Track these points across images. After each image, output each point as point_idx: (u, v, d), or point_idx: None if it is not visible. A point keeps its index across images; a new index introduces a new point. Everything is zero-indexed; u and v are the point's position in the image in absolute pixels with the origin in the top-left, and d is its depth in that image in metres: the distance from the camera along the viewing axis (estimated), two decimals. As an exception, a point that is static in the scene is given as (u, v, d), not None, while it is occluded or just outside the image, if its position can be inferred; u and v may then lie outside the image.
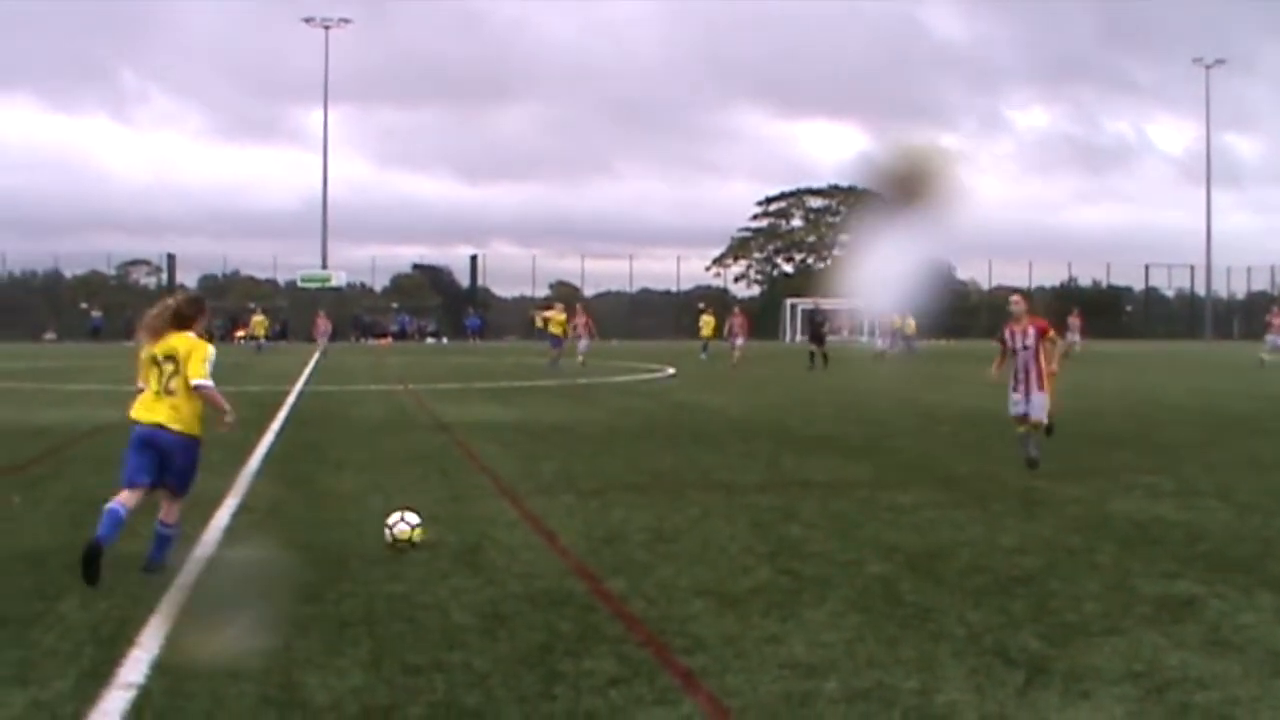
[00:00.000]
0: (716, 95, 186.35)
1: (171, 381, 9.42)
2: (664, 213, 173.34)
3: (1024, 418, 14.86)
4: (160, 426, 9.35)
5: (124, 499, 9.25)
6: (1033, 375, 14.70)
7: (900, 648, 7.19)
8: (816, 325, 45.67)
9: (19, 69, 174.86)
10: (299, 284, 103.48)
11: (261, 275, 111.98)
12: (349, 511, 11.82)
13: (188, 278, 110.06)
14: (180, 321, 9.73)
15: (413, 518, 10.17)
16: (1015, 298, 15.56)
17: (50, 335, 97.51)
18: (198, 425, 9.57)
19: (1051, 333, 15.04)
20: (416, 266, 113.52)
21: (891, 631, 7.56)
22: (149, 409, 9.44)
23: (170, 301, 9.98)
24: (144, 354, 9.65)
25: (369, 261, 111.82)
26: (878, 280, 9.86)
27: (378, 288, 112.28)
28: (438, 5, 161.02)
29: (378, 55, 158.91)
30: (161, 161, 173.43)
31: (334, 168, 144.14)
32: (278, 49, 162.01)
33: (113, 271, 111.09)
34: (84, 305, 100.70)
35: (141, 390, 9.63)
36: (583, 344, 44.40)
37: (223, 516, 11.64)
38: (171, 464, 9.39)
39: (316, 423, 21.45)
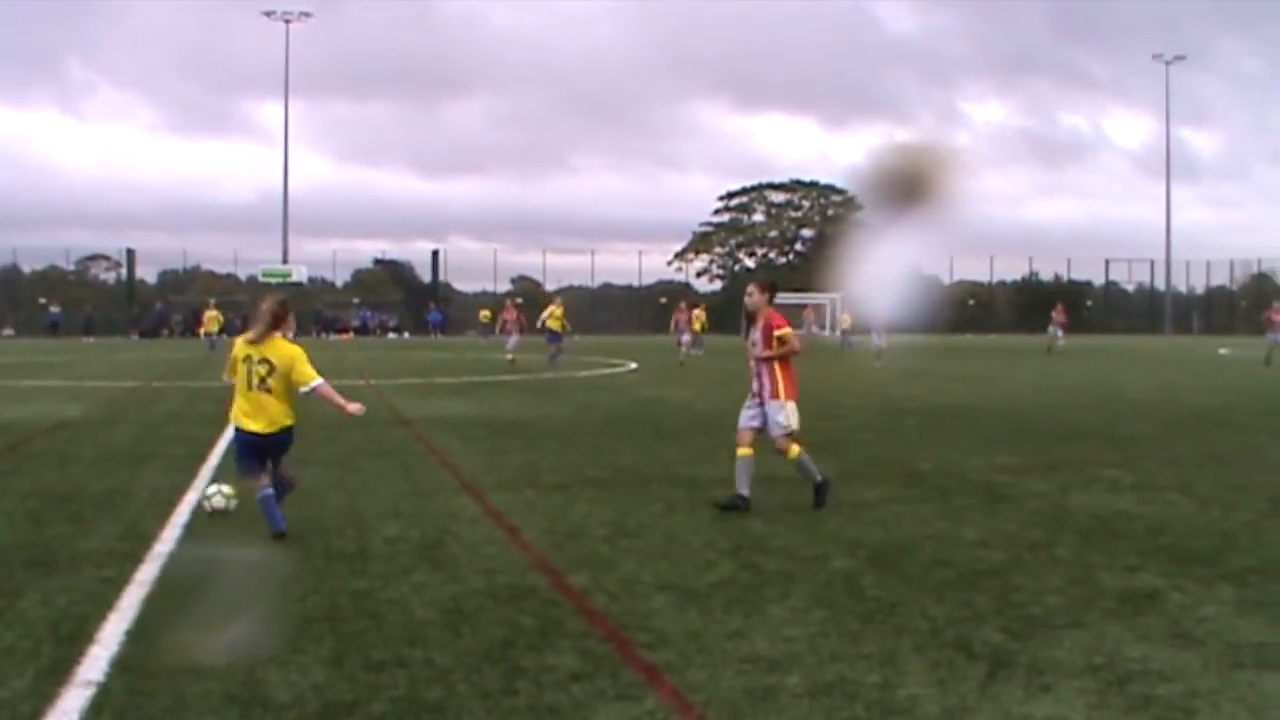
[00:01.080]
0: (674, 90, 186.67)
1: (268, 381, 10.28)
2: (624, 207, 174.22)
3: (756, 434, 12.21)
4: (276, 432, 10.34)
5: (260, 484, 10.42)
6: (766, 382, 12.09)
7: (863, 642, 7.20)
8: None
9: None
10: (260, 279, 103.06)
11: (221, 270, 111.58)
12: (311, 507, 11.78)
13: (147, 273, 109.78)
14: (275, 323, 10.56)
15: (227, 488, 11.12)
16: (750, 287, 12.52)
17: (8, 331, 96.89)
18: (293, 415, 10.50)
19: (783, 330, 12.00)
20: (378, 261, 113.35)
21: (854, 626, 7.56)
22: (254, 416, 10.32)
23: (264, 306, 10.67)
24: (239, 352, 10.49)
25: (330, 256, 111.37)
26: (874, 280, 9.83)
27: (339, 283, 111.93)
28: None
29: (332, 49, 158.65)
30: (114, 155, 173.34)
31: (292, 162, 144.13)
32: (227, 42, 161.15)
33: (72, 266, 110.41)
34: (42, 300, 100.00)
35: (228, 383, 10.65)
36: (512, 340, 43.38)
37: (183, 513, 11.59)
38: (277, 450, 10.52)
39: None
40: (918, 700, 6.15)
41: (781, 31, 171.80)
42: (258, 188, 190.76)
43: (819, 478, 12.00)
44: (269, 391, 10.27)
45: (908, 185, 7.48)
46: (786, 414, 11.93)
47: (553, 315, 41.86)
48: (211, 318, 61.57)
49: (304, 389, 10.40)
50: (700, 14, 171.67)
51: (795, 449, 11.95)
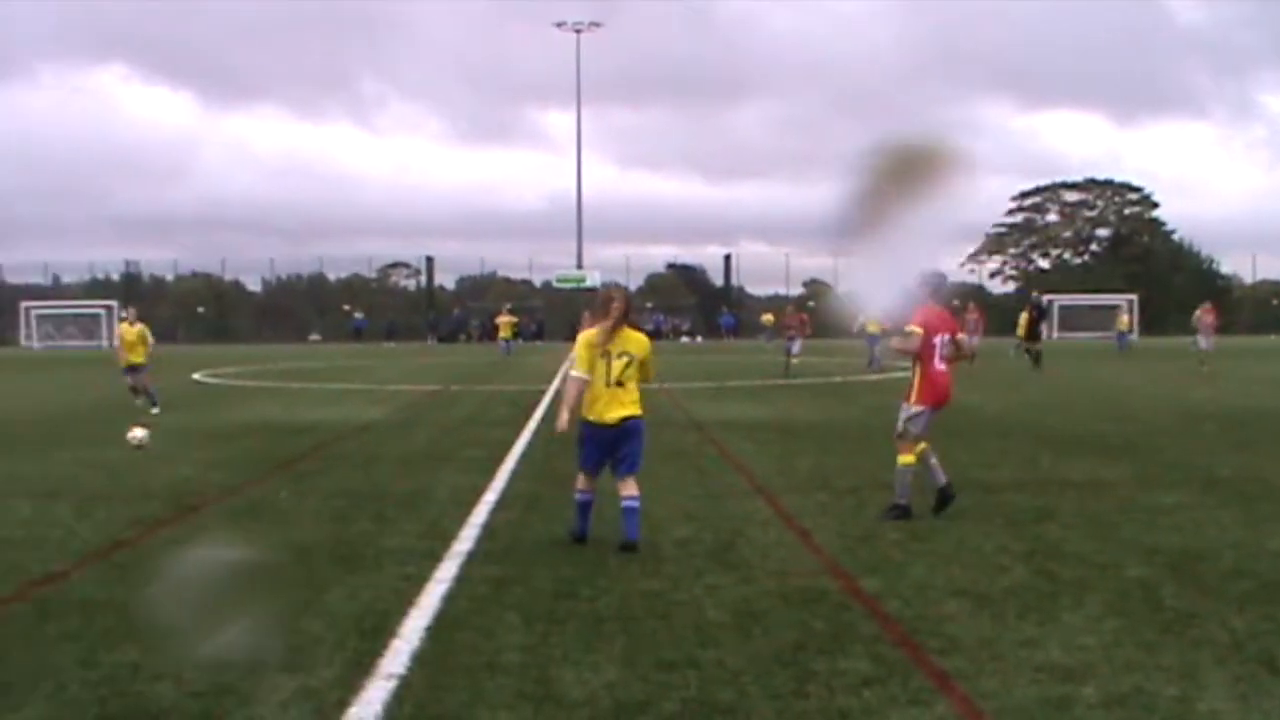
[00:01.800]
0: (955, 88, 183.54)
1: (624, 374, 10.30)
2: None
3: None
4: (627, 419, 10.32)
5: (586, 485, 10.59)
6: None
7: (1160, 653, 7.04)
8: (1032, 321, 43.29)
9: (264, 80, 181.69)
10: (555, 284, 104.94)
11: (517, 276, 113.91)
12: (605, 508, 11.98)
13: (445, 279, 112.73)
14: (625, 316, 10.52)
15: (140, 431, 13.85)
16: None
17: (315, 336, 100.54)
18: (641, 405, 10.50)
19: (910, 326, 11.56)
20: (670, 266, 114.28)
21: (1151, 636, 7.40)
22: (608, 407, 10.30)
23: (613, 301, 10.47)
24: (594, 348, 10.32)
25: (622, 261, 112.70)
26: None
27: (632, 287, 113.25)
28: (667, 5, 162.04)
29: (611, 56, 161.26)
30: (406, 166, 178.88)
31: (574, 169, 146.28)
32: (512, 52, 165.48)
33: (374, 274, 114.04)
34: (346, 307, 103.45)
35: (581, 378, 10.37)
36: (795, 345, 40.90)
37: (481, 513, 11.91)
38: (628, 446, 10.41)
39: (573, 421, 21.73)
40: (1219, 716, 6.00)
41: (1064, 25, 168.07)
42: (546, 194, 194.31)
43: (901, 500, 11.61)
44: (622, 385, 10.30)
45: (906, 175, 7.26)
46: (906, 416, 11.75)
47: (871, 319, 40.25)
48: (505, 323, 62.62)
49: (644, 384, 10.62)
50: (977, 10, 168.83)
51: (906, 457, 11.69)
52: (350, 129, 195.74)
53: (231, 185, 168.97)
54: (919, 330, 11.40)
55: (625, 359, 10.30)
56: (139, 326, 27.10)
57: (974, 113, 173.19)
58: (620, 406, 10.28)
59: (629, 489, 10.32)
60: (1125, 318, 65.06)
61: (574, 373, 10.41)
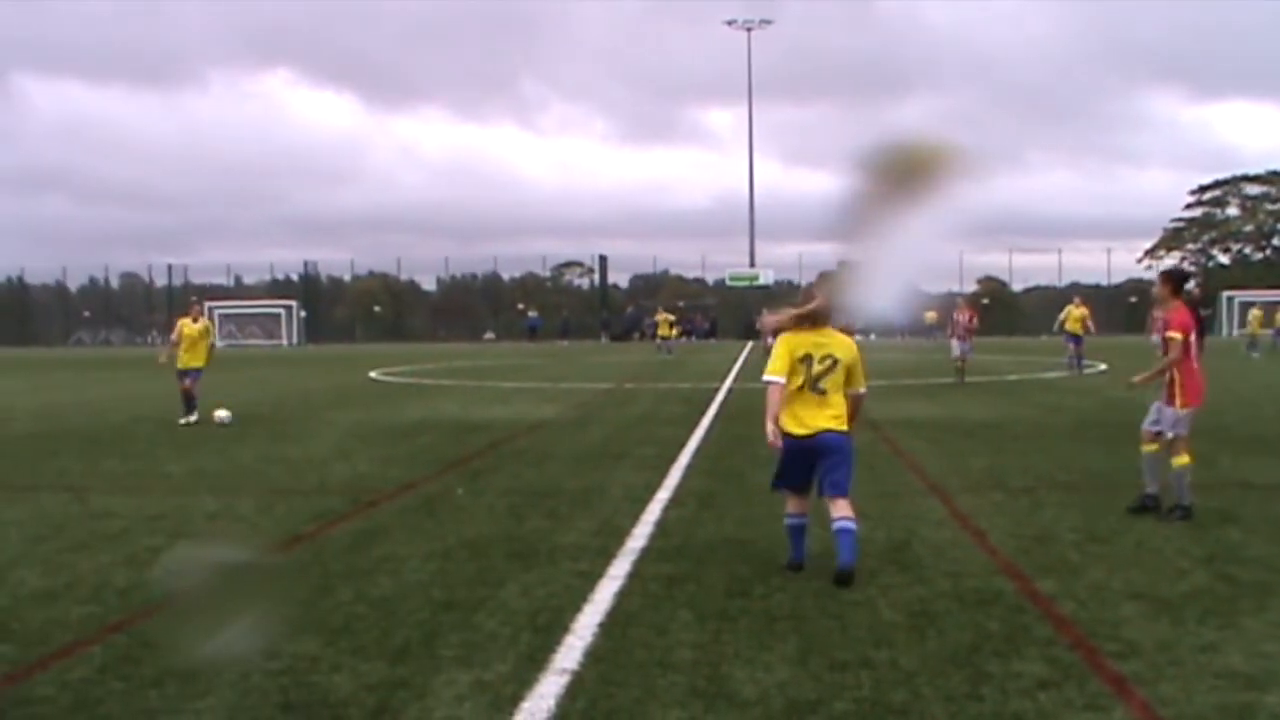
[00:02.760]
0: (1121, 80, 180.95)
1: (824, 380, 9.08)
2: (1083, 204, 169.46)
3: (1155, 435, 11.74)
4: (825, 431, 9.03)
5: (794, 507, 9.50)
6: (1166, 384, 11.62)
7: (1348, 660, 6.87)
8: (1198, 317, 41.46)
9: (429, 82, 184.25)
10: (727, 283, 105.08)
11: (689, 275, 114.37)
12: (778, 506, 11.96)
13: (619, 278, 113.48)
14: (828, 317, 9.35)
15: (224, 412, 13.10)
16: (1158, 277, 12.31)
17: (489, 335, 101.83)
18: (847, 419, 9.21)
19: (1172, 334, 11.44)
20: (841, 263, 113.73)
21: (1338, 643, 7.23)
22: (806, 417, 9.07)
23: (821, 298, 9.34)
24: (794, 349, 9.11)
25: (795, 259, 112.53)
26: None
27: (804, 285, 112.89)
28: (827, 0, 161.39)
29: (772, 53, 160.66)
30: (571, 166, 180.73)
31: (743, 168, 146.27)
32: (667, 51, 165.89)
33: (547, 273, 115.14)
34: (521, 306, 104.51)
35: (775, 383, 9.08)
36: (960, 346, 35.04)
37: (654, 510, 11.96)
38: (830, 462, 9.08)
39: (745, 418, 21.70)
40: (1407, 723, 5.85)
41: (1233, 13, 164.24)
42: (711, 193, 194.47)
43: (1185, 500, 11.32)
44: (824, 392, 9.07)
45: (904, 171, 7.05)
46: (1177, 419, 11.44)
47: (1071, 316, 38.02)
48: (664, 320, 62.49)
49: (854, 391, 9.30)
50: (1140, 1, 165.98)
51: (1182, 459, 11.40)
52: (514, 130, 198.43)
53: (400, 186, 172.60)
54: (1179, 335, 11.31)
55: (829, 363, 9.09)
56: (203, 322, 25.00)
57: (1142, 105, 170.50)
58: (820, 417, 9.04)
59: (839, 509, 8.99)
60: (1259, 312, 62.41)
61: (766, 377, 9.13)
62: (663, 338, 64.43)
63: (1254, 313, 58.18)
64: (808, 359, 9.08)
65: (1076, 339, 37.60)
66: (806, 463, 9.16)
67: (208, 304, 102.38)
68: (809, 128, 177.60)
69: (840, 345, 9.23)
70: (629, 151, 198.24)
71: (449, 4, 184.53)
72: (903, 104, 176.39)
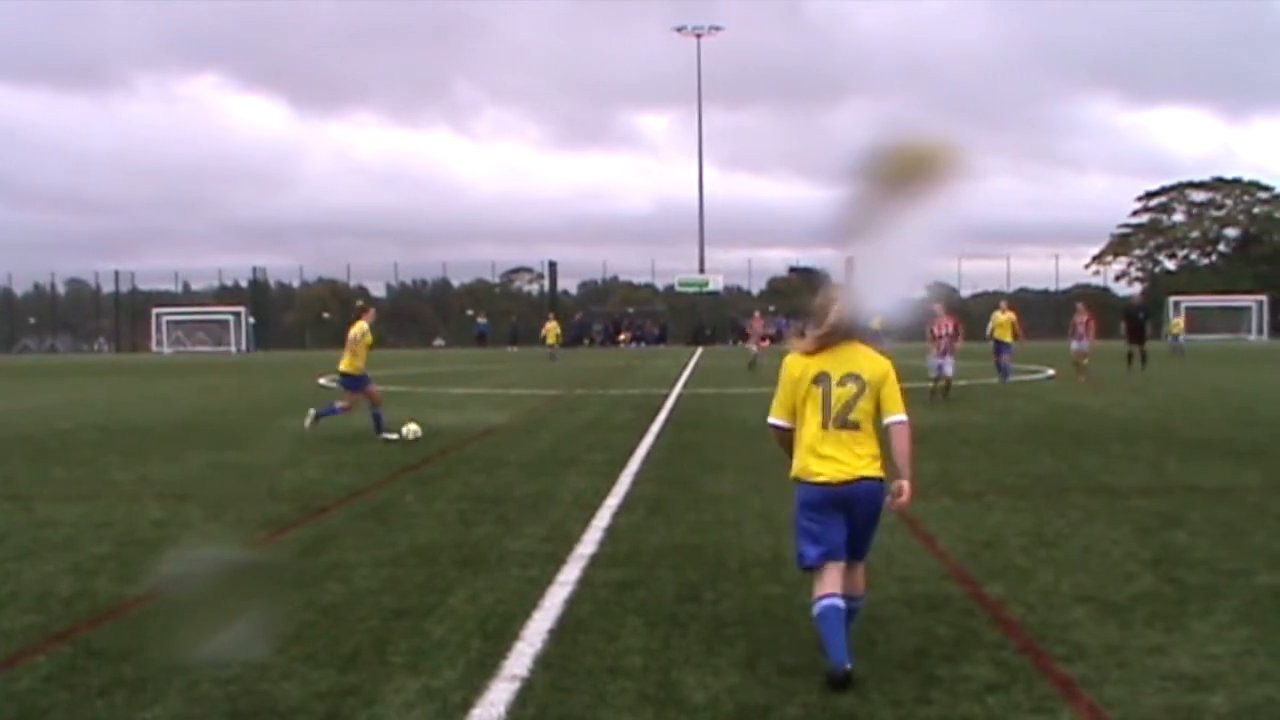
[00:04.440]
0: (1056, 85, 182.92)
1: (853, 411, 6.92)
2: (1025, 209, 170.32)
3: None
4: (863, 479, 6.88)
5: (826, 587, 6.89)
6: None
7: (1293, 662, 6.93)
8: (1136, 322, 42.39)
9: (358, 86, 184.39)
10: (677, 288, 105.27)
11: (639, 280, 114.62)
12: (727, 512, 12.00)
13: (569, 284, 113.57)
14: (848, 330, 7.20)
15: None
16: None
17: (439, 341, 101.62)
18: (882, 463, 7.03)
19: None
20: (793, 269, 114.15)
21: (1283, 645, 7.28)
22: (830, 460, 6.90)
23: (841, 303, 7.22)
24: (800, 372, 7.13)
25: (743, 265, 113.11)
26: None
27: (754, 291, 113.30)
28: (759, 3, 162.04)
29: (706, 59, 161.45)
30: (508, 170, 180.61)
31: (681, 173, 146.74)
32: (598, 56, 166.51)
33: (496, 280, 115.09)
34: (470, 312, 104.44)
35: (778, 427, 7.26)
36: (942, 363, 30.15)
37: (604, 516, 11.95)
38: (866, 523, 7.03)
39: (695, 425, 21.75)
40: (1352, 725, 5.90)
41: (1164, 18, 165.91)
42: (653, 197, 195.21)
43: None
44: (852, 426, 6.91)
45: (904, 172, 7.09)
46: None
47: (998, 323, 37.41)
48: (551, 329, 62.52)
49: (889, 419, 7.05)
50: (1075, 4, 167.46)
51: None
52: (449, 135, 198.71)
53: (338, 191, 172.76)
54: None
55: (851, 386, 6.95)
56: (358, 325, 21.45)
57: (1079, 110, 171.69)
58: (849, 459, 6.89)
59: (852, 579, 7.13)
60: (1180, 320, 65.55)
61: (769, 419, 7.28)
62: (550, 345, 64.38)
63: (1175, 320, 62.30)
64: (823, 379, 7.01)
65: (1004, 346, 35.81)
66: (836, 520, 6.92)
67: (154, 310, 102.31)
68: (743, 133, 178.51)
69: (866, 360, 7.09)
70: (566, 157, 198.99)
71: (373, 6, 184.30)
72: (838, 108, 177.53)
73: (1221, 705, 6.16)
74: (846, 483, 6.84)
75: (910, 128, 7.34)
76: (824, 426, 6.91)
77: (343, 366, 20.93)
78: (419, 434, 19.54)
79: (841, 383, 6.93)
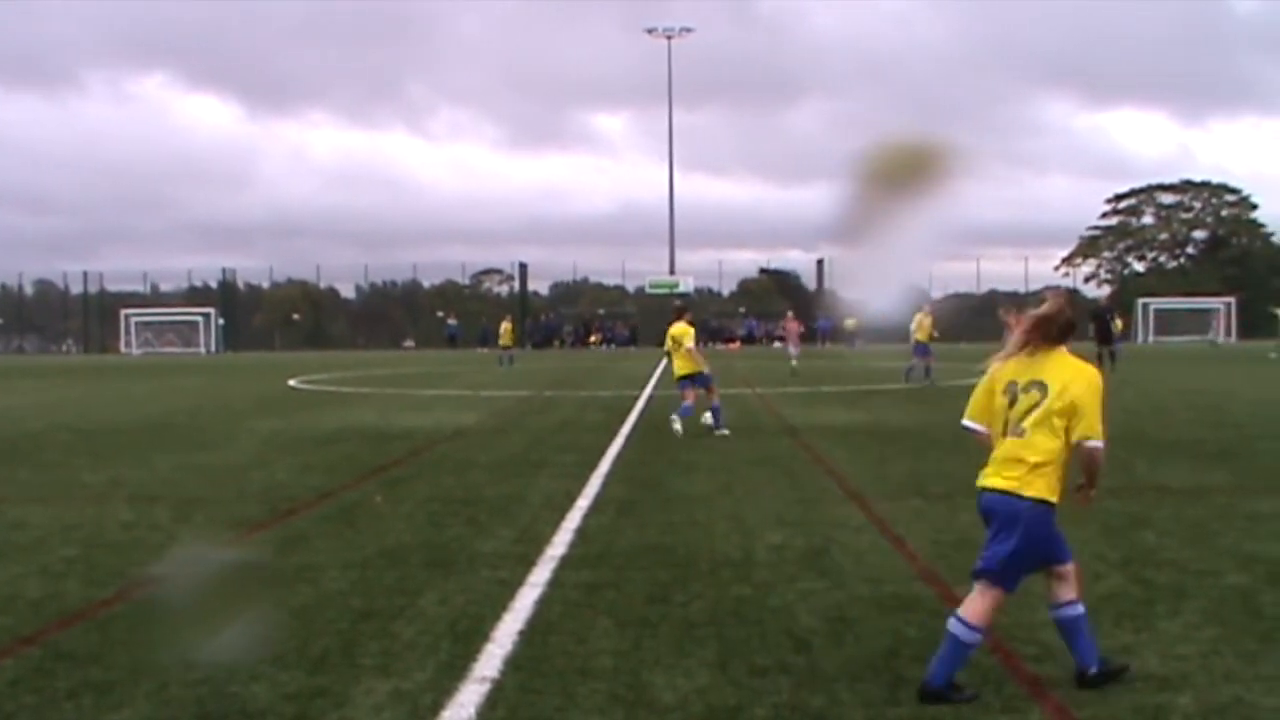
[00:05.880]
0: (1014, 86, 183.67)
1: (1026, 420, 6.51)
2: (988, 209, 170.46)
3: None
4: (1001, 493, 6.60)
5: (979, 612, 6.52)
6: None
7: (1260, 663, 6.95)
8: (1104, 323, 42.65)
9: (311, 85, 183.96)
10: (647, 290, 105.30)
11: (609, 282, 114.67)
12: (698, 513, 12.01)
13: (539, 285, 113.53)
14: (1064, 333, 6.70)
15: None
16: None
17: (409, 343, 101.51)
18: (1056, 489, 6.58)
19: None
20: (763, 271, 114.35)
21: (1251, 646, 7.30)
22: (992, 468, 6.74)
23: (1050, 306, 6.71)
24: (998, 379, 6.84)
25: (715, 266, 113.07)
26: None
27: (724, 293, 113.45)
28: (716, 3, 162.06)
29: (658, 59, 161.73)
30: (467, 171, 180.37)
31: (641, 173, 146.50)
32: (552, 57, 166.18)
33: (466, 281, 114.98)
34: (440, 314, 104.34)
35: (972, 431, 7.14)
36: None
37: (574, 517, 11.94)
38: (993, 531, 6.70)
39: (665, 427, 21.77)
40: (1319, 725, 5.93)
41: (1122, 19, 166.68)
42: (614, 198, 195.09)
43: None
44: (1022, 433, 6.53)
45: (903, 173, 7.11)
46: None
47: (921, 326, 36.52)
48: (506, 330, 60.63)
49: (1089, 443, 6.48)
50: (1031, 5, 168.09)
51: None
52: (404, 136, 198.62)
53: (296, 192, 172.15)
54: None
55: (1034, 393, 6.52)
56: (678, 326, 21.31)
57: (1037, 110, 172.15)
58: (1004, 470, 6.59)
59: (967, 603, 6.61)
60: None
61: (963, 421, 7.20)
62: (504, 347, 60.91)
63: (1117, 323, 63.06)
64: (1010, 389, 6.67)
65: (924, 349, 36.43)
66: (1002, 528, 6.63)
67: (123, 311, 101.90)
68: (701, 132, 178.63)
69: (1059, 370, 6.55)
70: (523, 157, 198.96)
71: (320, 5, 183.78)
72: (795, 108, 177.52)
73: (1189, 705, 6.19)
74: (984, 492, 6.73)
75: (909, 128, 7.37)
76: (1002, 434, 6.70)
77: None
78: None
79: (1026, 390, 6.57)
